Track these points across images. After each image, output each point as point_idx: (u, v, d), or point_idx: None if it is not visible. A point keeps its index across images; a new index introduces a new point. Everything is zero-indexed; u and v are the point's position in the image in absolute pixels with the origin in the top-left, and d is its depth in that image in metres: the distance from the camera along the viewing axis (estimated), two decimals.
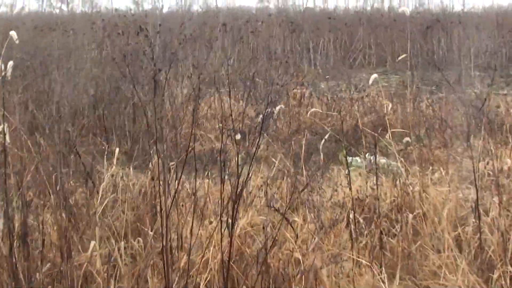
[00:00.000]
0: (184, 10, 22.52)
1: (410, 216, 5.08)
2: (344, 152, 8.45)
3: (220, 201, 4.53)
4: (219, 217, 4.45)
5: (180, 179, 4.49)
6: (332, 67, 18.27)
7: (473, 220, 5.05)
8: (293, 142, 8.20)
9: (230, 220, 4.27)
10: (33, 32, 16.51)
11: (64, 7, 31.98)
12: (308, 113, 8.40)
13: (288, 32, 19.08)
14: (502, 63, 18.18)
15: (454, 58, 18.92)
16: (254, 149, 4.47)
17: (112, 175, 5.81)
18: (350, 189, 5.04)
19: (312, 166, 6.82)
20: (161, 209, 4.34)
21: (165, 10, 27.05)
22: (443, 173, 6.88)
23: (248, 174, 4.51)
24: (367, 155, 7.38)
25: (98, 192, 5.37)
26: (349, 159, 8.24)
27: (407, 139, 6.19)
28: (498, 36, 18.24)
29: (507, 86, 14.33)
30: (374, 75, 6.44)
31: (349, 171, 5.21)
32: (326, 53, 18.97)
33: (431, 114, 10.38)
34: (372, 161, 7.66)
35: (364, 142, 9.13)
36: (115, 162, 5.95)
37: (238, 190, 4.30)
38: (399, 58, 7.07)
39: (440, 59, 19.16)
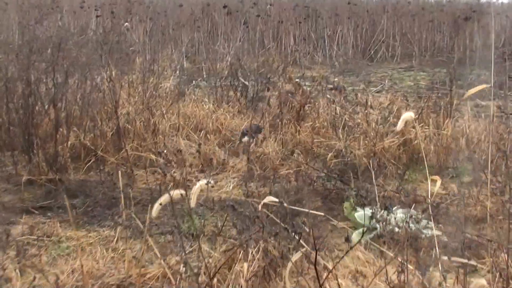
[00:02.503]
0: None
1: None
2: (352, 200, 5.62)
3: None
4: None
5: None
6: (350, 60, 15.36)
7: None
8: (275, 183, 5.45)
9: None
10: None
11: None
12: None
13: (302, 18, 16.17)
14: None
15: (489, 56, 15.92)
16: None
17: None
18: None
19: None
20: None
21: None
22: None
23: None
24: (383, 211, 4.43)
25: None
26: (357, 213, 5.39)
27: None
28: None
29: None
30: (408, 114, 3.64)
31: None
32: (344, 43, 16.02)
33: (476, 138, 7.42)
34: (389, 220, 4.77)
35: (382, 181, 6.36)
36: None
37: None
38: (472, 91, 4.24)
39: (474, 56, 16.16)
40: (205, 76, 12.61)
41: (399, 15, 16.91)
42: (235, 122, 8.21)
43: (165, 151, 5.32)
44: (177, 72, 12.35)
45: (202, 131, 7.72)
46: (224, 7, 14.93)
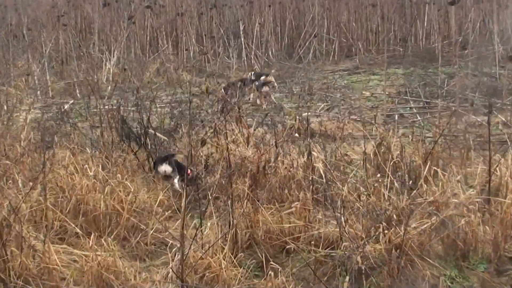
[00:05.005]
0: None
1: None
2: None
3: None
4: None
5: None
6: (274, 62, 12.58)
7: None
8: None
9: None
10: None
11: None
12: None
13: (208, 8, 13.30)
14: None
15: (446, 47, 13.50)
16: None
17: None
18: None
19: None
20: None
21: None
22: None
23: None
24: None
25: None
26: None
27: None
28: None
29: None
30: None
31: None
32: (264, 39, 13.21)
33: None
34: None
35: None
36: None
37: None
38: None
39: (425, 48, 13.75)
40: (79, 95, 9.68)
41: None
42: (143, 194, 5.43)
43: None
44: (39, 95, 9.37)
45: (89, 218, 4.88)
46: None
